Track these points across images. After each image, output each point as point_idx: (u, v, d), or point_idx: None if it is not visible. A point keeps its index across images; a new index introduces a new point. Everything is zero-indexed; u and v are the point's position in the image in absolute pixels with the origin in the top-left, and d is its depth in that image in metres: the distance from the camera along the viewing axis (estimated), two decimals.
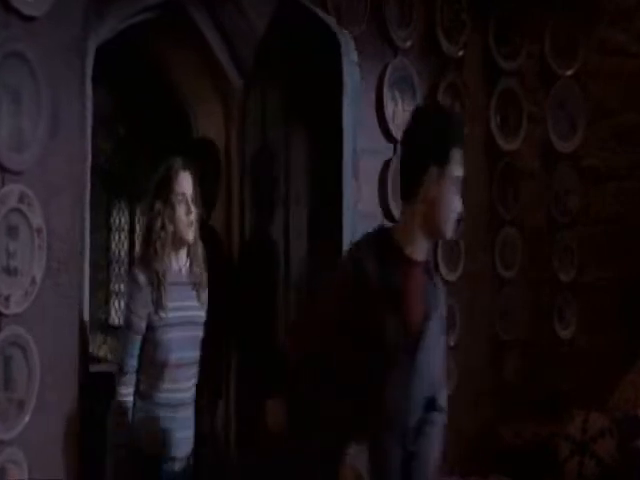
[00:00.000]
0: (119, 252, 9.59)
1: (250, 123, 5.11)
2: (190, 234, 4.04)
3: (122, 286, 9.31)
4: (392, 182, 5.28)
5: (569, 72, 5.88)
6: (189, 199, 4.03)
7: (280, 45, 4.91)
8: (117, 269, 9.56)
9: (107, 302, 9.54)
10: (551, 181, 5.91)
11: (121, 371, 3.99)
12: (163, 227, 3.98)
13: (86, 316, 4.11)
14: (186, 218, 4.01)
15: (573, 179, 5.90)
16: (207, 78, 5.30)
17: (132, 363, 3.99)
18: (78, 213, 4.08)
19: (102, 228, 9.45)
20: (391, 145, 5.33)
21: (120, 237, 9.59)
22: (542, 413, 5.64)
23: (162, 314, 3.97)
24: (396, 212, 5.27)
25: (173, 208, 4.00)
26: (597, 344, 5.72)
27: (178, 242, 4.03)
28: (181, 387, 4.03)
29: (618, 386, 5.32)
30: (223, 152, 5.37)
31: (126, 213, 9.54)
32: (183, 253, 4.09)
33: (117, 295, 9.50)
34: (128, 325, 4.00)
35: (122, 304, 9.37)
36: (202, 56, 5.24)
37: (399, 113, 5.36)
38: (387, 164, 5.29)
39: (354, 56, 4.96)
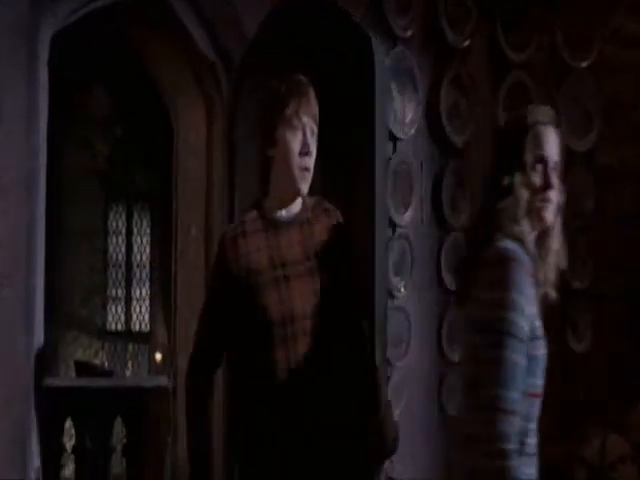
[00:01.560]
0: (117, 256, 9.51)
1: (242, 117, 4.52)
2: (549, 213, 2.72)
3: (120, 291, 9.20)
4: (392, 182, 5.00)
5: (583, 64, 5.59)
6: (551, 165, 2.75)
7: (292, 38, 4.40)
8: (114, 273, 9.40)
9: (104, 307, 9.29)
10: (564, 181, 5.38)
11: (507, 412, 2.45)
12: (512, 192, 2.67)
13: (39, 335, 3.70)
14: (541, 193, 2.69)
15: (587, 179, 5.60)
16: (187, 69, 4.91)
17: (516, 397, 2.49)
18: (27, 218, 3.59)
19: (99, 231, 9.19)
20: (390, 143, 5.02)
21: (118, 240, 9.45)
22: (554, 433, 5.10)
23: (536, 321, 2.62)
24: (395, 214, 5.00)
25: (526, 174, 2.71)
26: (613, 358, 5.48)
27: (535, 219, 2.71)
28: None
29: (637, 405, 5.12)
30: (204, 148, 5.02)
31: (124, 216, 9.34)
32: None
33: (114, 300, 9.31)
34: (508, 331, 2.48)
35: (120, 309, 9.25)
36: (181, 44, 4.92)
37: (399, 109, 5.10)
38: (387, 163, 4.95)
39: (386, 60, 4.67)
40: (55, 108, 8.02)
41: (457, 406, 5.07)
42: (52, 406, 5.62)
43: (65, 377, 7.42)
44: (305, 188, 2.88)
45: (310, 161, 2.87)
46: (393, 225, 4.98)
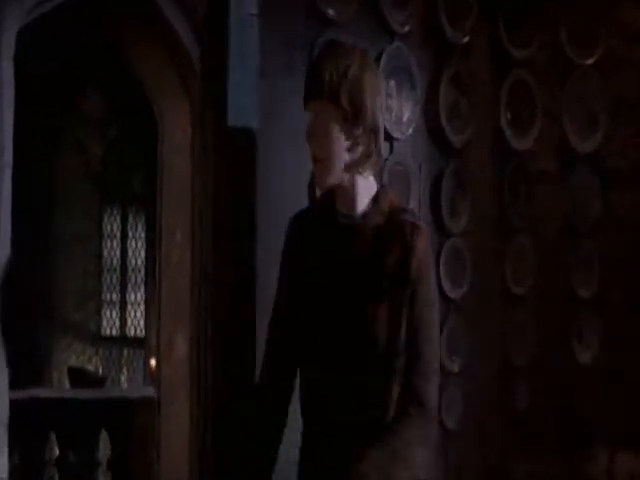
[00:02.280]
0: (111, 260, 9.43)
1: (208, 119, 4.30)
2: None
3: (114, 295, 9.09)
4: (388, 185, 4.64)
5: (589, 61, 5.40)
6: None
7: None
8: (109, 278, 9.30)
9: (99, 312, 9.16)
10: (569, 184, 5.44)
11: None
12: None
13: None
14: None
15: (594, 182, 5.45)
16: (171, 69, 4.69)
17: None
18: None
19: (93, 235, 9.06)
20: (387, 143, 4.80)
21: (112, 244, 9.30)
22: (559, 449, 5.23)
23: None
24: None
25: None
26: (622, 369, 5.33)
27: None
28: None
29: None
30: (190, 149, 4.83)
31: (118, 219, 9.21)
32: None
33: (109, 305, 9.19)
34: None
35: (114, 314, 9.13)
36: (165, 43, 4.77)
37: (396, 107, 4.89)
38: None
39: (253, 8, 4.20)
40: (50, 109, 7.81)
41: (456, 418, 4.94)
42: (35, 418, 5.42)
43: (48, 388, 7.27)
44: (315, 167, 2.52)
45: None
46: None
